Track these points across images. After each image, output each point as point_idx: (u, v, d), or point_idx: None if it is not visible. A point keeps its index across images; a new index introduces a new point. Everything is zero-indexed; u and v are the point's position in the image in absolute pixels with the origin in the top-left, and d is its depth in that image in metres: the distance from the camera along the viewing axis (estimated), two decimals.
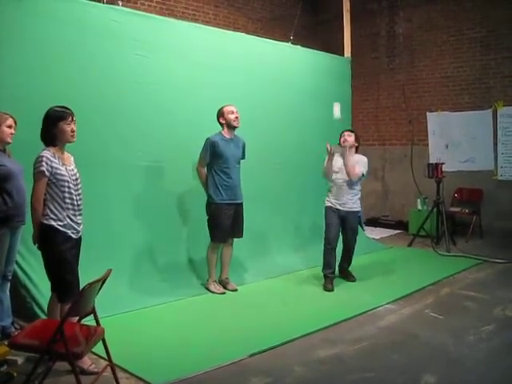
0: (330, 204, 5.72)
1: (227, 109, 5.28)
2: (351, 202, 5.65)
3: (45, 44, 4.62)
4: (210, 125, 5.34)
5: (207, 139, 5.23)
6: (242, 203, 5.45)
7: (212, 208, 5.29)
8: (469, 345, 4.02)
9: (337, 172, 5.64)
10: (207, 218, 5.35)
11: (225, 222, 5.28)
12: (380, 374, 3.55)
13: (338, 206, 5.65)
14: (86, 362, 3.41)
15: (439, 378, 3.47)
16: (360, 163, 5.66)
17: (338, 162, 5.67)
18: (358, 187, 5.74)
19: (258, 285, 5.73)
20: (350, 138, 5.72)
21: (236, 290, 5.45)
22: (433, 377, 3.47)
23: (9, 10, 4.37)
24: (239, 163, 5.42)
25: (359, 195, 5.78)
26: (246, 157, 5.53)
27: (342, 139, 5.73)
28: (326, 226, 5.74)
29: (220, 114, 5.31)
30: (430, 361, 3.73)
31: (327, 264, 5.67)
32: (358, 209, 5.77)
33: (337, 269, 5.91)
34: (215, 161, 5.24)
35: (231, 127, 5.30)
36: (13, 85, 4.39)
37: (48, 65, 4.63)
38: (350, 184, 5.62)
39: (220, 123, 5.33)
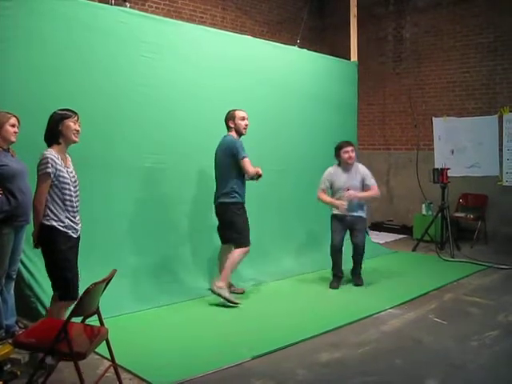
0: (335, 212, 5.79)
1: (239, 114, 5.08)
2: (359, 209, 5.78)
3: (50, 44, 4.64)
4: (215, 127, 5.34)
5: (235, 141, 5.00)
6: None
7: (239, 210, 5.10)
8: (472, 350, 4.00)
9: (344, 189, 5.69)
10: (229, 221, 5.11)
11: (248, 224, 5.14)
12: (382, 378, 3.55)
13: (346, 214, 5.70)
14: None
15: (441, 383, 3.47)
16: (368, 176, 5.83)
17: (340, 179, 5.74)
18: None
19: (262, 287, 5.74)
20: (354, 153, 5.77)
21: (243, 293, 5.42)
22: (435, 382, 3.46)
23: (15, 10, 4.38)
24: None
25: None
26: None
27: (346, 155, 5.71)
28: (331, 232, 5.83)
29: (230, 116, 5.09)
30: (432, 366, 3.73)
31: (334, 264, 5.81)
32: (364, 215, 5.88)
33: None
34: (236, 164, 5.03)
35: (239, 133, 5.11)
36: (18, 84, 4.40)
37: (53, 65, 4.64)
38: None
39: (228, 126, 5.13)
